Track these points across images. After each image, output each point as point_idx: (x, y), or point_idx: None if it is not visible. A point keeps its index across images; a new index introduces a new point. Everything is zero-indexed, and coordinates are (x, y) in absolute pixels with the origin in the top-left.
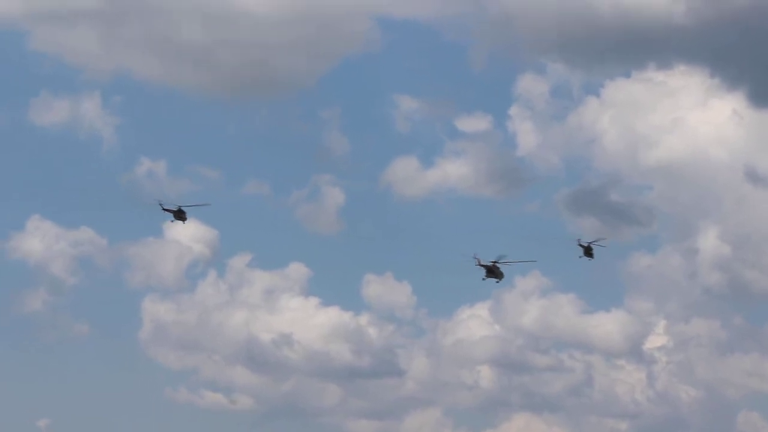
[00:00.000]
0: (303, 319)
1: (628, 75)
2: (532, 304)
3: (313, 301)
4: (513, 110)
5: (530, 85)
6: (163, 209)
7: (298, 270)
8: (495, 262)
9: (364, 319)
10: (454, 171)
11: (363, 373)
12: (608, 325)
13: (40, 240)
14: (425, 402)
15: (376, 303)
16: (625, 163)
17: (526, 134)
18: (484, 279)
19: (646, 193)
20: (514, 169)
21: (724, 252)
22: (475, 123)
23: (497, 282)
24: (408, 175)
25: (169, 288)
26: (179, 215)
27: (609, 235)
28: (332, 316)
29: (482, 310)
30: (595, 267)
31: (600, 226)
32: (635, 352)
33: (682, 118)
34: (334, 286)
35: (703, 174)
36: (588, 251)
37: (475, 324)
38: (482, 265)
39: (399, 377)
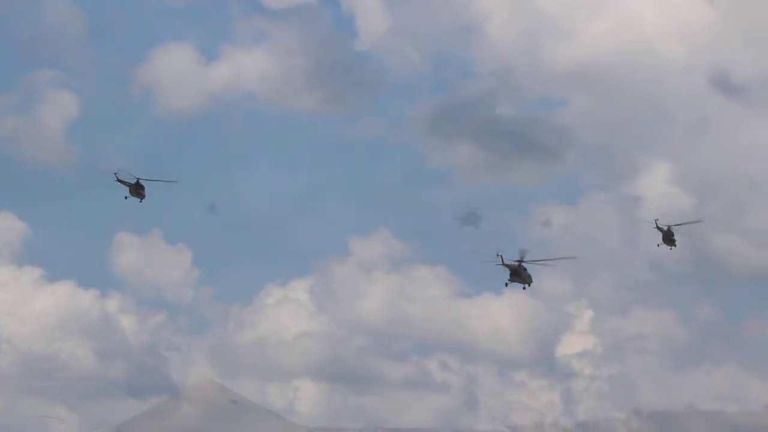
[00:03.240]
0: (13, 303)
1: None
2: (379, 282)
3: (32, 273)
4: None
5: None
6: (117, 180)
7: (5, 224)
8: (521, 261)
9: (114, 302)
10: (251, 68)
11: (114, 389)
12: (500, 317)
13: None
14: None
15: (135, 278)
16: (523, 61)
17: (368, 15)
18: (507, 284)
19: (556, 109)
20: (348, 67)
21: (680, 203)
22: None
23: (524, 288)
24: (178, 74)
25: None
26: (137, 190)
27: (501, 172)
28: (62, 297)
29: (300, 290)
30: (476, 225)
31: (484, 157)
32: (544, 360)
33: None
34: (65, 249)
35: (646, 80)
36: (668, 237)
37: (289, 312)
38: (506, 265)
39: (171, 396)
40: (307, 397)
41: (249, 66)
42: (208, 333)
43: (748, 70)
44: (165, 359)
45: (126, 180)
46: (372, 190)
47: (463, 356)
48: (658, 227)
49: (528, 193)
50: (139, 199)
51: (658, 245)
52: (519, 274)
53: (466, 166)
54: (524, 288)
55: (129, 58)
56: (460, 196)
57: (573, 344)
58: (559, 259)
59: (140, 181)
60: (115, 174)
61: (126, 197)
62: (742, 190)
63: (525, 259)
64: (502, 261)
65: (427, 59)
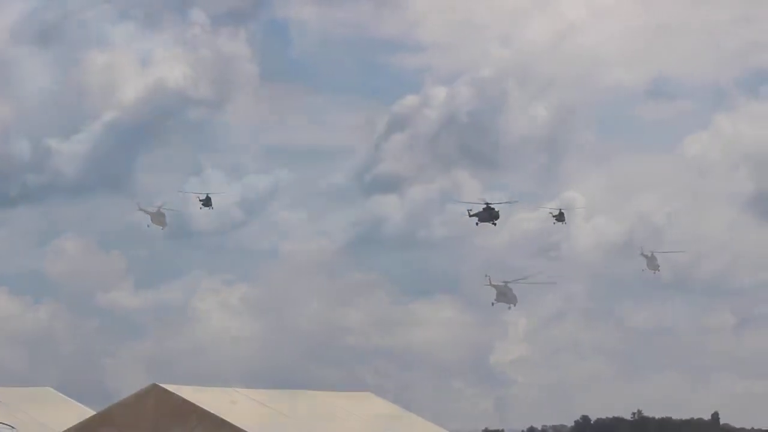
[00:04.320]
0: None
1: None
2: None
3: None
4: None
5: None
6: (139, 209)
7: None
8: (507, 282)
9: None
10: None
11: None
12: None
13: None
14: None
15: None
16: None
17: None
18: (493, 304)
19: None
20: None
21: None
22: None
23: (509, 308)
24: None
25: None
26: (159, 219)
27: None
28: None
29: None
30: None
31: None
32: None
33: None
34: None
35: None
36: (653, 263)
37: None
38: (493, 286)
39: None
40: (246, 401)
41: (184, 72)
42: (145, 339)
43: (687, 79)
44: (102, 366)
45: (147, 209)
46: (309, 198)
47: (398, 363)
48: (643, 254)
49: (449, 198)
50: (161, 227)
51: (642, 270)
52: (505, 295)
53: (405, 175)
54: (510, 308)
55: (64, 63)
56: (398, 204)
57: (507, 352)
58: (543, 283)
59: (161, 209)
60: (137, 203)
61: (148, 225)
62: (681, 199)
63: (510, 281)
64: (490, 282)
65: (362, 67)
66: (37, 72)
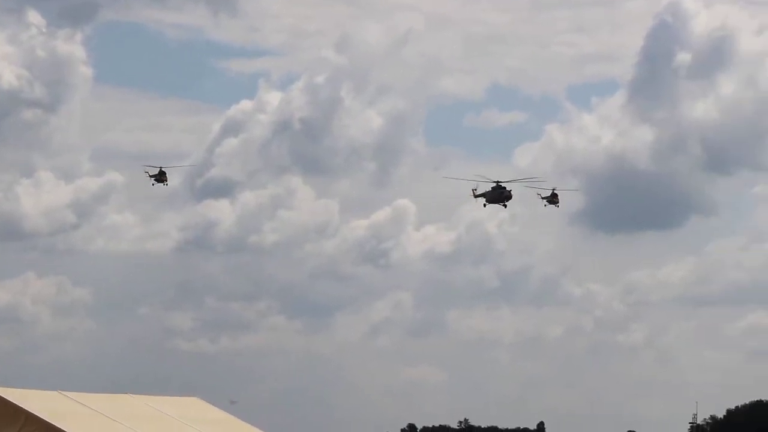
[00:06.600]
0: None
1: None
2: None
3: None
4: None
5: None
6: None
7: None
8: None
9: None
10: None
11: None
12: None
13: None
14: None
15: None
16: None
17: None
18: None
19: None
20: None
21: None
22: None
23: (505, 206)
24: None
25: None
26: (161, 178)
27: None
28: None
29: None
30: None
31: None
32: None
33: None
34: None
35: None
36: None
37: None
38: (480, 195)
39: None
40: (73, 404)
41: (18, 73)
42: None
43: (520, 90)
44: None
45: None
46: (141, 201)
47: (227, 368)
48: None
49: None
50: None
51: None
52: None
53: (238, 180)
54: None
55: None
56: (230, 209)
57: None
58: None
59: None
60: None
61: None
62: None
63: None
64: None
65: (198, 71)
66: None
